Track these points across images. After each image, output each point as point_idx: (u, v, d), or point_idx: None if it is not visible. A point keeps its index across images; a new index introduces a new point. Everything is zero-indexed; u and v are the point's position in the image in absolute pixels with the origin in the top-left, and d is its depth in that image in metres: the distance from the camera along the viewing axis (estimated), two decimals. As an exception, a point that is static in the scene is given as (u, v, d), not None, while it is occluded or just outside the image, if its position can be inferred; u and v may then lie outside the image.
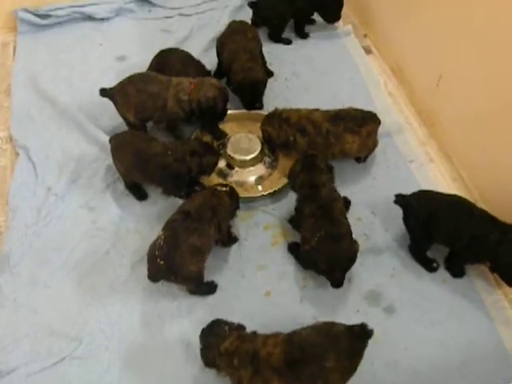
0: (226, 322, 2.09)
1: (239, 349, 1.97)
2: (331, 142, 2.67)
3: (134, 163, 2.59)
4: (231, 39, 3.14)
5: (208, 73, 3.15)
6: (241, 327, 2.10)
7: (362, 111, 2.74)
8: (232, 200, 2.46)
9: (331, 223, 2.33)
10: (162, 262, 2.18)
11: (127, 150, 2.60)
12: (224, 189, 2.47)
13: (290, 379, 1.89)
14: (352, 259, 2.33)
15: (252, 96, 3.04)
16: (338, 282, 2.34)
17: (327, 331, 1.94)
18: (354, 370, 1.94)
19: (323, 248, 2.28)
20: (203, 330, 2.08)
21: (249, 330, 2.16)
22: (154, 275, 2.25)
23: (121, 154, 2.63)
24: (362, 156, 2.81)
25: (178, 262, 2.19)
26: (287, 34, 3.65)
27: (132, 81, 2.81)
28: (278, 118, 2.76)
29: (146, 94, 2.76)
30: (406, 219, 2.47)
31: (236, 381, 1.98)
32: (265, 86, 3.08)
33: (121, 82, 2.83)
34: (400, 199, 2.47)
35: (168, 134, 2.93)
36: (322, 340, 1.91)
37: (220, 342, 2.00)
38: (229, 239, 2.52)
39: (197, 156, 2.57)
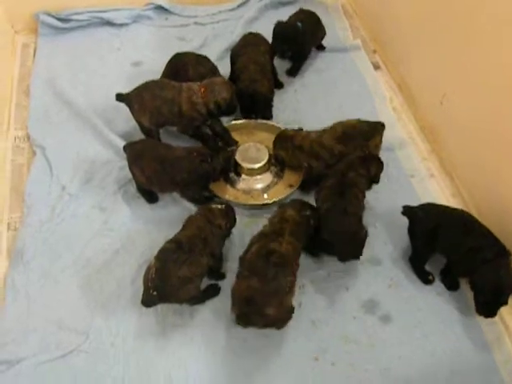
0: (310, 208, 2.51)
1: (276, 224, 2.41)
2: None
3: (158, 171, 2.63)
4: (244, 51, 3.23)
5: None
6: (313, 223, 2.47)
7: (367, 123, 2.78)
8: (228, 218, 2.51)
9: (342, 198, 2.45)
10: (155, 293, 2.22)
11: (150, 159, 2.64)
12: (219, 207, 2.51)
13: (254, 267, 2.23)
14: (356, 234, 2.43)
15: (251, 105, 3.10)
16: (343, 255, 2.47)
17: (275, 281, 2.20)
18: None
19: (329, 218, 2.43)
20: None
21: (248, 334, 2.31)
22: (148, 302, 2.28)
23: (143, 163, 2.65)
24: None
25: (170, 294, 2.24)
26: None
27: (148, 87, 2.88)
28: (291, 145, 2.82)
29: (160, 100, 2.82)
30: (411, 229, 2.56)
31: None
32: (267, 100, 3.15)
33: (137, 88, 2.90)
34: (407, 210, 2.56)
35: (181, 140, 3.01)
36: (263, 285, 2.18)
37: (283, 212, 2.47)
38: (218, 267, 2.52)
39: (215, 156, 2.68)
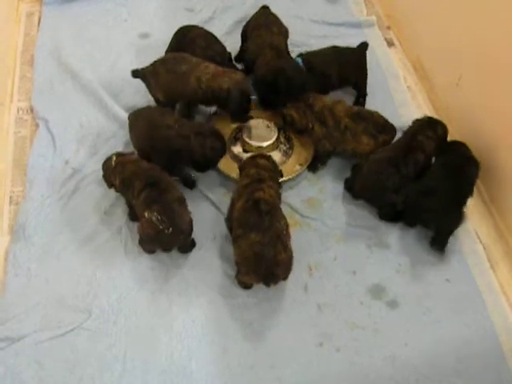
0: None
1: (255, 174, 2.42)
2: (348, 138, 2.68)
3: (144, 134, 2.62)
4: (257, 33, 3.05)
5: (228, 54, 3.14)
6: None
7: (384, 119, 2.73)
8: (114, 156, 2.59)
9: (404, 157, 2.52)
10: (171, 230, 2.25)
11: (141, 122, 2.64)
12: (114, 158, 2.55)
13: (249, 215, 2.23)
14: (384, 190, 2.50)
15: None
16: (356, 195, 2.65)
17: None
18: None
19: (375, 164, 2.55)
20: None
21: (253, 316, 2.27)
22: (166, 246, 2.37)
23: (136, 127, 2.67)
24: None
25: (179, 221, 2.28)
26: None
27: (164, 61, 2.83)
28: (304, 103, 2.77)
29: (173, 74, 2.76)
30: None
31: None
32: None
33: (153, 63, 2.84)
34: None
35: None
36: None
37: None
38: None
39: (201, 136, 2.55)
